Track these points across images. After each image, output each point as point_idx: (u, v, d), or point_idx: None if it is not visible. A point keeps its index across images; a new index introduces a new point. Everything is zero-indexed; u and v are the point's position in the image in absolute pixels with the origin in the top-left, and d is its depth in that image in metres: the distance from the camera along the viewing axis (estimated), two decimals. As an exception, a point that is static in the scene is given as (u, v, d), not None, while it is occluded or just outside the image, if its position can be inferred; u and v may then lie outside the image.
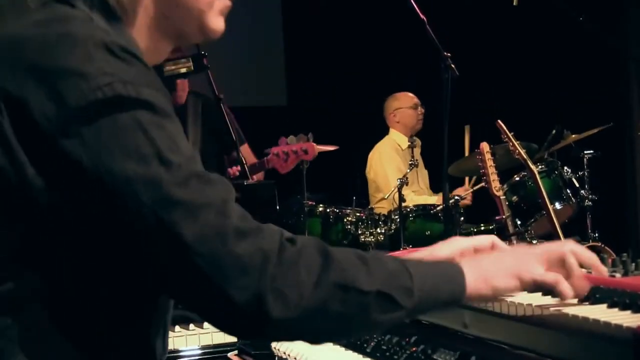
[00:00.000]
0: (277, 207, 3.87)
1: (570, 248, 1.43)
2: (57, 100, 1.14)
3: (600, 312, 1.40)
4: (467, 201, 5.58)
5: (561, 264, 1.42)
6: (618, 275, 1.59)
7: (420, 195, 5.93)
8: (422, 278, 1.29)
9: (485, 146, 4.36)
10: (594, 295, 1.47)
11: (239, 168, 4.55)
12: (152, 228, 1.15)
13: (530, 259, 1.40)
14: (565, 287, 1.39)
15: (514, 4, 4.86)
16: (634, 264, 1.62)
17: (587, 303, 1.46)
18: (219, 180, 1.24)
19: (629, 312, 1.40)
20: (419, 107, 6.21)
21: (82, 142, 1.14)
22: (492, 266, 1.38)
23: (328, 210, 5.38)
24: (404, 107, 6.22)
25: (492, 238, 1.59)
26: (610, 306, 1.44)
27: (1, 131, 1.16)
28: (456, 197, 5.17)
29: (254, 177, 4.64)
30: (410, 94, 6.26)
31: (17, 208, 1.17)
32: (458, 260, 1.40)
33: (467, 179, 5.87)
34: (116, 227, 1.17)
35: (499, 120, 4.51)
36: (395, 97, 6.30)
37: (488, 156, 4.34)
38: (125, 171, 1.14)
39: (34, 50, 1.18)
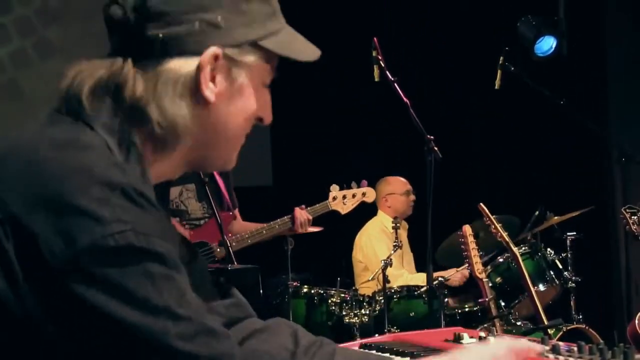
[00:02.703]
0: (261, 292, 3.87)
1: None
2: (67, 239, 1.14)
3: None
4: (457, 282, 5.58)
5: None
6: (594, 363, 1.61)
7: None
8: None
9: (467, 229, 4.39)
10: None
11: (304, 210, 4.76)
12: None
13: None
14: None
15: (496, 87, 4.98)
16: (610, 352, 1.64)
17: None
18: (225, 334, 1.26)
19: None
20: (411, 194, 6.15)
21: (90, 286, 1.14)
22: None
23: (312, 291, 5.35)
24: (396, 192, 6.14)
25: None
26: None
27: (4, 254, 1.15)
28: (440, 279, 5.17)
29: (309, 227, 4.93)
30: (403, 180, 6.18)
31: (14, 331, 1.17)
32: None
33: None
34: None
35: (481, 204, 4.56)
36: (388, 181, 6.19)
37: (470, 239, 4.37)
38: (133, 321, 1.15)
39: (48, 179, 1.17)
